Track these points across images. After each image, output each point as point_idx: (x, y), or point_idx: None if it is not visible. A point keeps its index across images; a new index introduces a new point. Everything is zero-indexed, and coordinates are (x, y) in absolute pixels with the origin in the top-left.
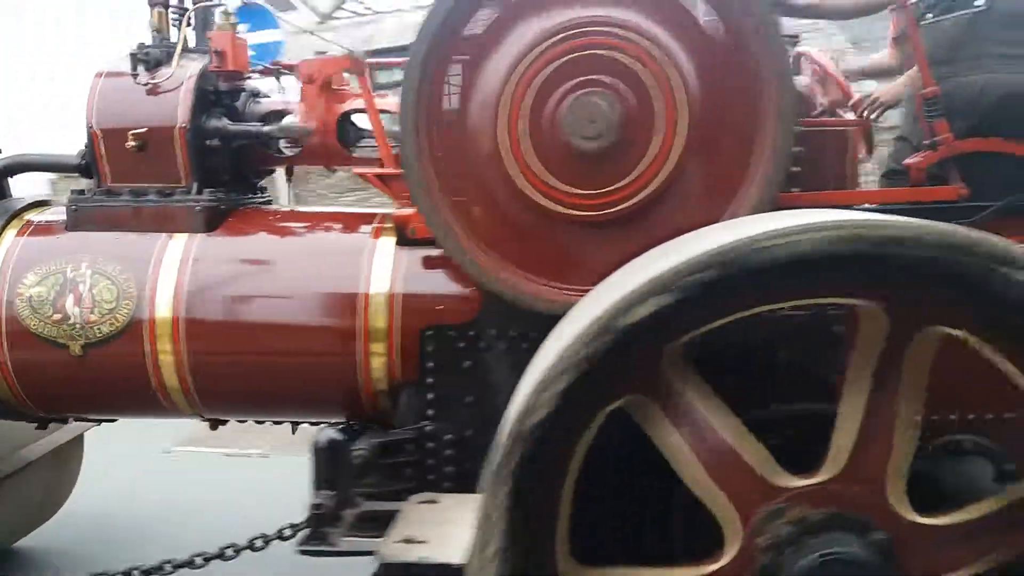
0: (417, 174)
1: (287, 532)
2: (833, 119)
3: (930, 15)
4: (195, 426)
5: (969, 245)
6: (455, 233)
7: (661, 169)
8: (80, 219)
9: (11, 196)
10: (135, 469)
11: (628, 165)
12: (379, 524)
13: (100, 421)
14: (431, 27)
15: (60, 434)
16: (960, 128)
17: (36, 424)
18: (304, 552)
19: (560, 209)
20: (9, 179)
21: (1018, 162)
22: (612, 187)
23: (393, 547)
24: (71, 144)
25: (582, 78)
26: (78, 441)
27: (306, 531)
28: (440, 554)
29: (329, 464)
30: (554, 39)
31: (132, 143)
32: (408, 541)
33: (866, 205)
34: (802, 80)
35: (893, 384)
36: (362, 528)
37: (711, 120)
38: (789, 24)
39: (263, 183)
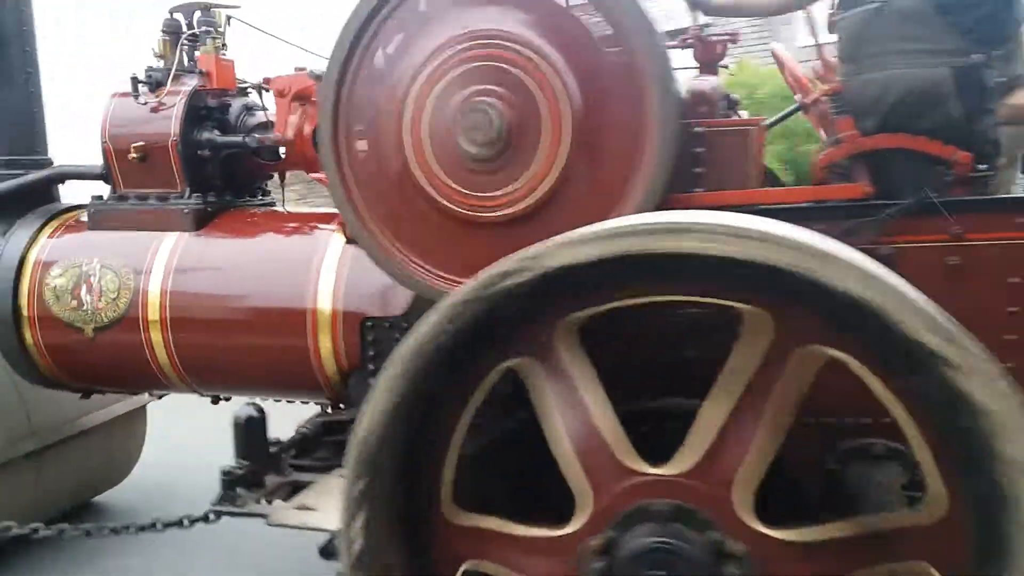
0: (336, 180)
1: None
2: (732, 119)
3: (841, 12)
4: None
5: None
6: (374, 236)
7: (549, 174)
8: (98, 220)
9: (58, 200)
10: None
11: (520, 170)
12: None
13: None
14: (344, 42)
15: (119, 406)
16: (868, 126)
17: (80, 395)
18: (210, 511)
19: (462, 212)
20: (60, 185)
21: (924, 159)
22: (506, 191)
23: (284, 512)
24: (69, 142)
25: (474, 87)
26: (140, 413)
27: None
28: (321, 521)
29: (245, 437)
30: (446, 54)
31: (134, 155)
32: (301, 508)
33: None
34: (710, 81)
35: (764, 394)
36: (278, 495)
37: (596, 126)
38: (740, 24)
39: (270, 186)
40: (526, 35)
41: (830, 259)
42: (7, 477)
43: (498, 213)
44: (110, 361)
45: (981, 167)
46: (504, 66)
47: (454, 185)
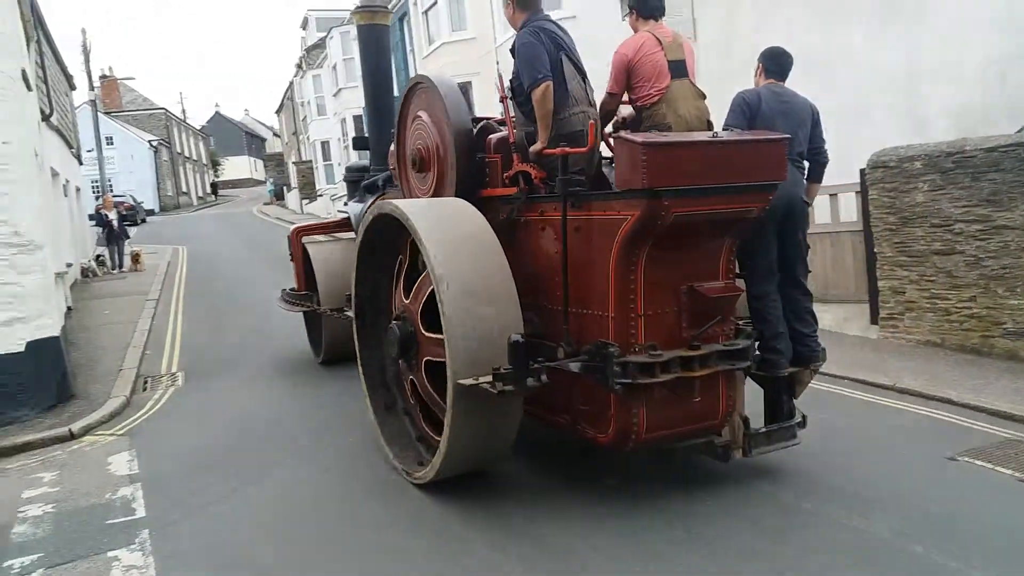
0: (400, 169)
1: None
2: (494, 155)
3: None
4: (987, 439)
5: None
6: (407, 184)
7: (434, 177)
8: None
9: None
10: (915, 475)
11: (427, 175)
12: None
13: None
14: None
15: None
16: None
17: None
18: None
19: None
20: None
21: (574, 161)
22: (424, 183)
23: None
24: None
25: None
26: None
27: None
28: None
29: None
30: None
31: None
32: None
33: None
34: (496, 134)
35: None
36: None
37: (441, 159)
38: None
39: None
40: (431, 123)
41: (400, 210)
42: None
43: (423, 189)
44: None
45: (550, 181)
46: (422, 131)
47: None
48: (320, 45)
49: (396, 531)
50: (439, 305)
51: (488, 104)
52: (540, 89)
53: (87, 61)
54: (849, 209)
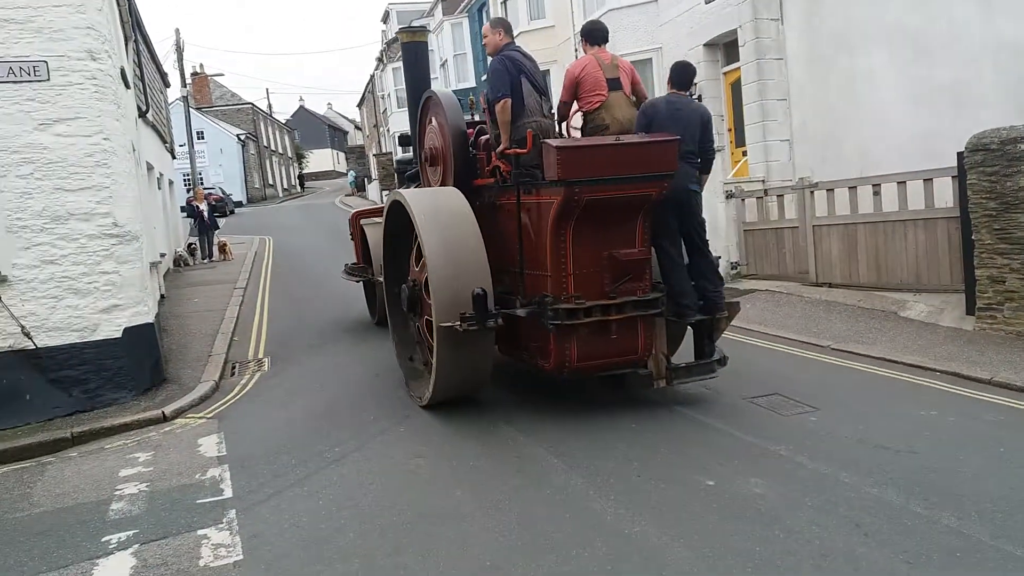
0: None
1: None
2: (483, 151)
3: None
4: None
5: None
6: (425, 177)
7: (444, 170)
8: None
9: None
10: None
11: (438, 168)
12: None
13: None
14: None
15: None
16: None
17: None
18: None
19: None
20: None
21: (523, 160)
22: (436, 175)
23: None
24: None
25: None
26: None
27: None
28: None
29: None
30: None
31: None
32: None
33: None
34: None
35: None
36: None
37: (444, 155)
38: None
39: None
40: (438, 127)
41: (403, 196)
42: None
43: (435, 180)
44: None
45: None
46: (433, 134)
47: (427, 171)
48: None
49: (480, 514)
50: (426, 267)
51: None
52: (500, 104)
53: (180, 59)
54: (944, 194)
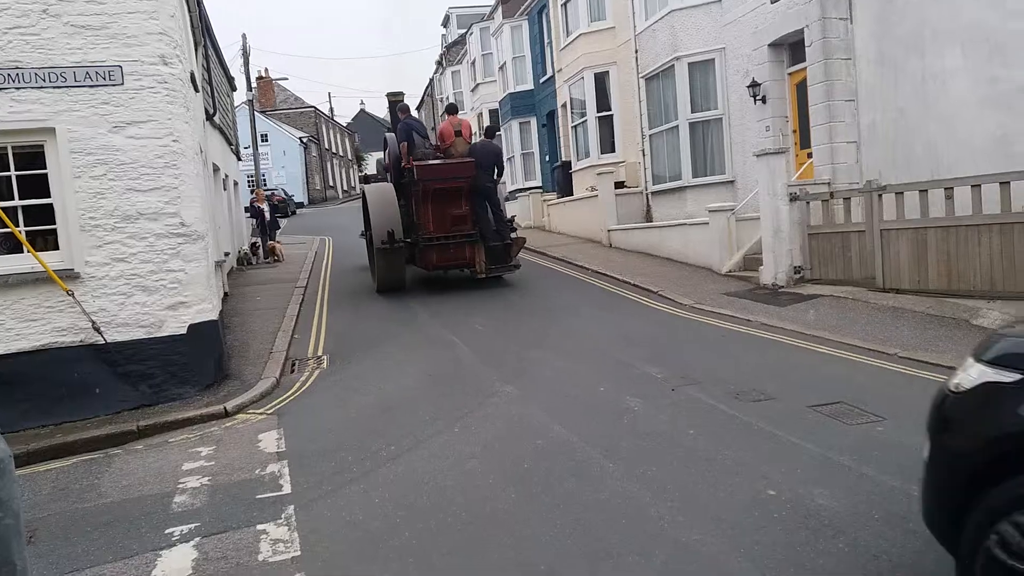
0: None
1: None
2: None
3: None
4: None
5: None
6: None
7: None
8: None
9: None
10: None
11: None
12: None
13: None
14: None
15: None
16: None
17: None
18: None
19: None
20: None
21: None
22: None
23: None
24: None
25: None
26: None
27: None
28: None
29: None
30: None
31: None
32: None
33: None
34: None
35: None
36: None
37: (388, 166)
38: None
39: None
40: (389, 152)
41: (363, 187)
42: None
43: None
44: None
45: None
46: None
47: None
48: (460, 42)
49: (535, 518)
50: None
51: (625, 89)
52: (402, 145)
53: (246, 64)
54: (1021, 198)
